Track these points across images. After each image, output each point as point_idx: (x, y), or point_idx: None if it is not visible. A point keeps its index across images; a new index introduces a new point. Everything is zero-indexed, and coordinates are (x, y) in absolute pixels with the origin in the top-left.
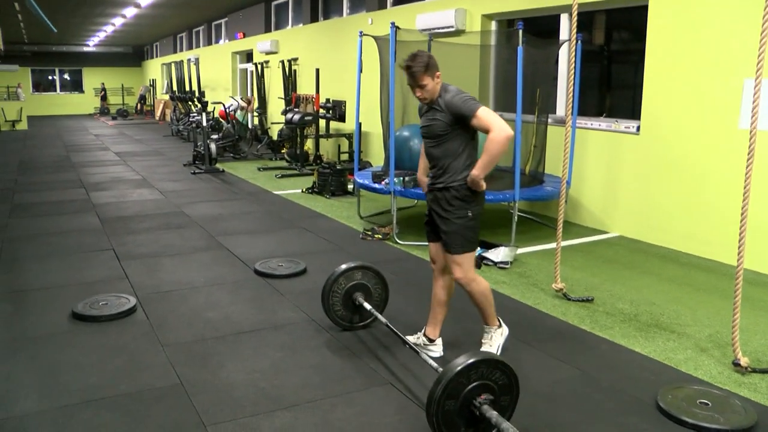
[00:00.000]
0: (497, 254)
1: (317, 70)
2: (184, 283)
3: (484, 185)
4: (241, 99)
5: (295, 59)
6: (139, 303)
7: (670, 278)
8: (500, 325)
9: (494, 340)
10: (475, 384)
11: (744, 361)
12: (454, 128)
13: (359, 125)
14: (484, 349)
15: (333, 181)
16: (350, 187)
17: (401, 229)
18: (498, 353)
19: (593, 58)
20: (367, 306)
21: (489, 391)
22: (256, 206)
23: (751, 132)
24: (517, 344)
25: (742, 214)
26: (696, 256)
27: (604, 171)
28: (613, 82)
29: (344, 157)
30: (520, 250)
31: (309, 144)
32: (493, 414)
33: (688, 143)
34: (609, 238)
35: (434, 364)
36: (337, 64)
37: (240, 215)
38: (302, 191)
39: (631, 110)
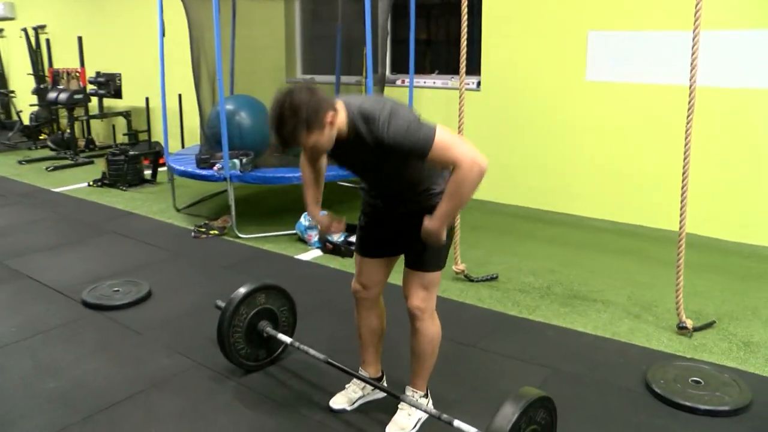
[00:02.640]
0: None
1: (80, 39)
2: None
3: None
4: None
5: (42, 27)
6: None
7: (549, 239)
8: (428, 395)
9: (414, 414)
10: None
11: (689, 323)
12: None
13: (164, 101)
14: (399, 422)
15: (129, 169)
16: (147, 173)
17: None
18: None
19: (421, 12)
20: (285, 338)
21: None
22: (42, 211)
23: (690, 87)
24: (460, 348)
25: (683, 174)
26: (557, 212)
27: None
28: (442, 36)
29: (121, 138)
30: None
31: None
32: None
33: (534, 97)
34: None
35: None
36: (103, 31)
37: (26, 226)
38: (90, 185)
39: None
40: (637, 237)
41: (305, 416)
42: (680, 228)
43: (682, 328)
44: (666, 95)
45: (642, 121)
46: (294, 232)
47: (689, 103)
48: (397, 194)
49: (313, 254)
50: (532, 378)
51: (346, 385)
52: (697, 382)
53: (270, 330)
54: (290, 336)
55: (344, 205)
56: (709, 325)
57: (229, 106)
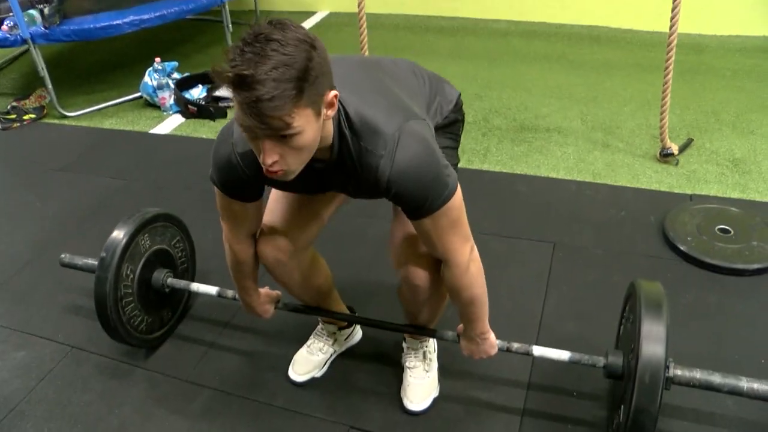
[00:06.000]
0: None
1: None
2: None
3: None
4: None
5: None
6: None
7: (452, 53)
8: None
9: (434, 363)
10: None
11: (675, 148)
12: None
13: None
14: (416, 381)
15: None
16: None
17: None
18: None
19: None
20: (207, 289)
21: None
22: None
23: None
24: None
25: None
26: (446, 17)
27: None
28: None
29: None
30: None
31: None
32: None
33: None
34: (324, 19)
35: None
36: None
37: None
38: None
39: None
40: (548, 37)
41: (261, 404)
42: (671, 30)
43: (667, 155)
44: None
45: None
46: (138, 95)
47: None
48: None
49: (172, 123)
50: (538, 260)
51: (308, 342)
52: (725, 231)
53: (173, 281)
54: (192, 277)
55: (191, 45)
56: (688, 145)
57: None
